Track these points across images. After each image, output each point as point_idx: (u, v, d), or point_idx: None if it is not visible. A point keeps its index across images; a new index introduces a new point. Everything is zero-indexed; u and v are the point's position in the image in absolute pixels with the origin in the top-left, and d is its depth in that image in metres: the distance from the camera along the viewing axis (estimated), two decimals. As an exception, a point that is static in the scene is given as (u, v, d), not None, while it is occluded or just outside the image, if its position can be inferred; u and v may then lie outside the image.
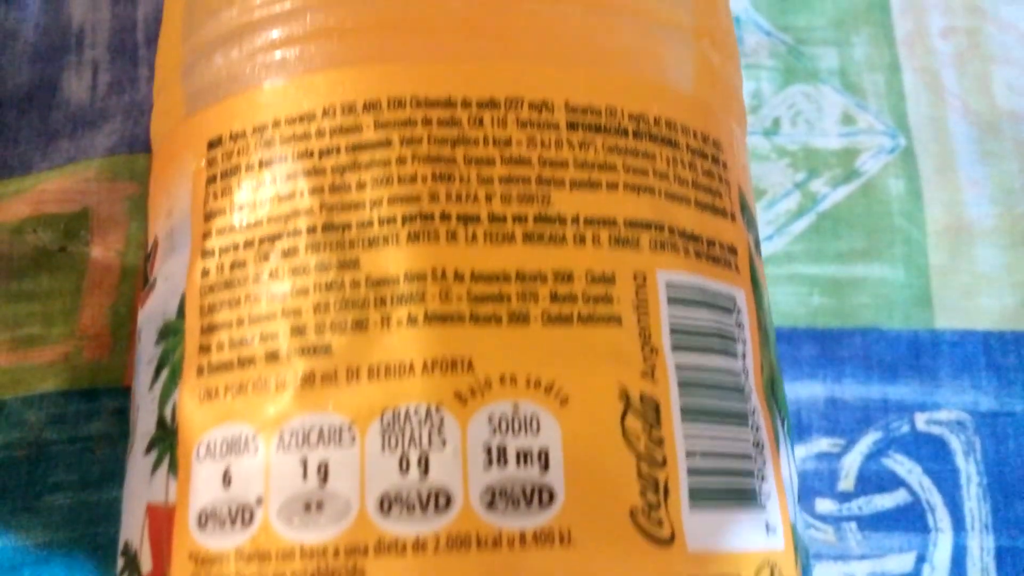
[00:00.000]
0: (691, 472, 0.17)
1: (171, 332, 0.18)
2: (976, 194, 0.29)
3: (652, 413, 0.17)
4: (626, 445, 0.17)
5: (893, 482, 0.26)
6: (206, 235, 0.18)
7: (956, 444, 0.27)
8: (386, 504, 0.16)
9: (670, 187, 0.18)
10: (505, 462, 0.16)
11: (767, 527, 0.18)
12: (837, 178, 0.29)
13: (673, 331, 0.18)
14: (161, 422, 0.18)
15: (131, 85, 0.29)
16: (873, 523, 0.26)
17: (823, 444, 0.27)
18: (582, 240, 0.17)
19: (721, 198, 0.20)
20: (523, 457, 0.16)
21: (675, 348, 0.18)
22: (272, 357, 0.17)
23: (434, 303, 0.17)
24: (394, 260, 0.17)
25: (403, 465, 0.16)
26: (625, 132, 0.18)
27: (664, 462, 0.17)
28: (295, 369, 0.17)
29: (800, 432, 0.27)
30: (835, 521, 0.26)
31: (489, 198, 0.17)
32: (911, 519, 0.26)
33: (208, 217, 0.18)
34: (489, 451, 0.16)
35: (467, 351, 0.16)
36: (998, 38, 0.31)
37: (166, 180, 0.20)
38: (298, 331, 0.17)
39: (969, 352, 0.27)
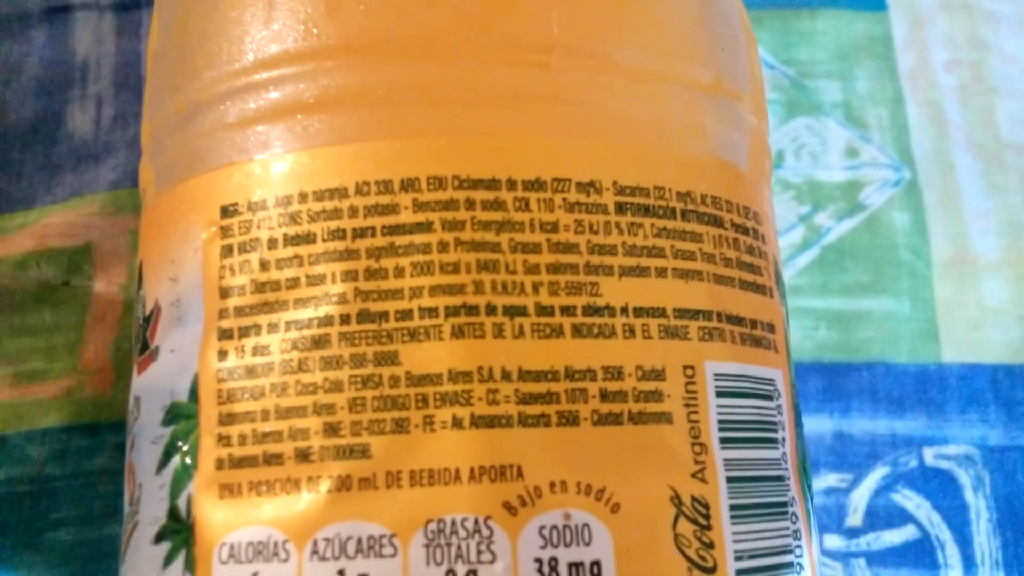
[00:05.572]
0: (739, 574, 0.16)
1: (182, 415, 0.17)
2: (981, 227, 0.29)
3: (703, 516, 0.16)
4: (678, 552, 0.16)
5: (902, 517, 0.26)
6: (223, 313, 0.17)
7: (965, 479, 0.26)
8: None
9: (717, 269, 0.18)
10: None
11: None
12: (841, 211, 0.29)
13: (721, 426, 0.17)
14: (173, 513, 0.17)
15: (135, 119, 0.29)
16: (882, 559, 0.26)
17: (831, 479, 0.27)
18: (631, 332, 0.16)
19: (761, 274, 0.19)
20: (575, 570, 0.15)
21: (723, 443, 0.17)
22: (303, 456, 0.16)
23: (481, 405, 0.16)
24: (437, 356, 0.16)
25: None
26: (673, 213, 0.17)
27: (715, 567, 0.16)
28: (329, 471, 0.16)
29: (807, 467, 0.27)
30: (843, 557, 0.26)
31: (536, 288, 0.16)
32: (920, 555, 0.26)
33: (225, 294, 0.17)
34: (540, 565, 0.15)
35: (516, 457, 0.15)
36: (1002, 71, 0.30)
37: (166, 241, 0.18)
38: (332, 429, 0.16)
39: (977, 386, 0.27)
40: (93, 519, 0.25)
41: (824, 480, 0.26)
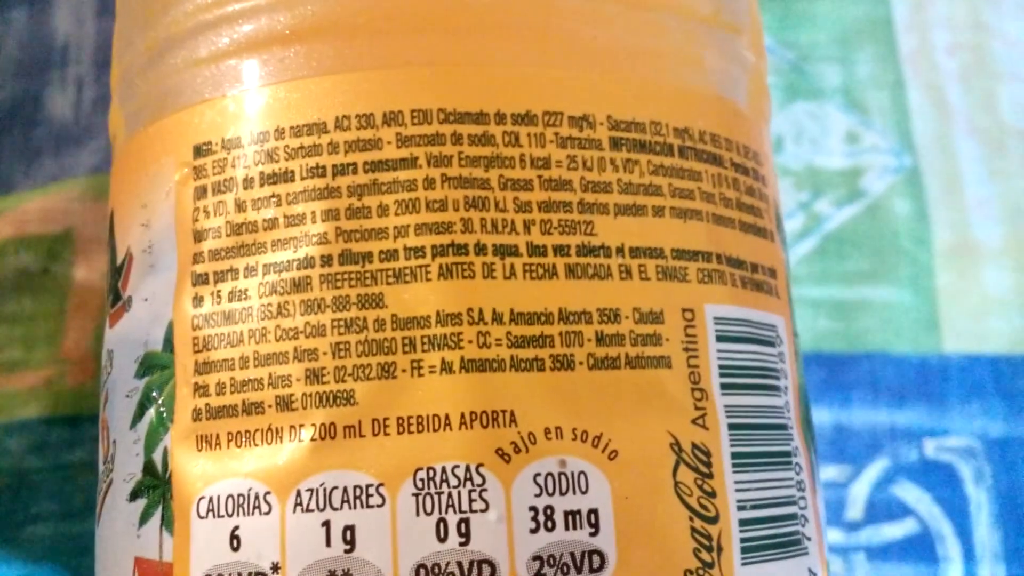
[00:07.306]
0: (742, 524, 0.16)
1: (157, 366, 0.17)
2: (983, 214, 0.28)
3: (704, 464, 0.16)
4: (679, 501, 0.15)
5: (902, 511, 0.26)
6: (197, 257, 0.16)
7: (966, 471, 0.26)
8: (423, 575, 0.15)
9: (716, 209, 0.17)
10: (553, 526, 0.15)
11: (810, 573, 0.17)
12: (842, 198, 0.29)
13: (722, 371, 0.16)
14: (149, 468, 0.16)
15: (117, 102, 0.29)
16: (882, 553, 0.25)
17: (830, 472, 0.26)
18: (628, 273, 0.16)
19: (762, 217, 0.18)
20: (572, 519, 0.15)
21: (724, 390, 0.16)
22: (284, 404, 0.15)
23: (471, 348, 0.15)
24: (424, 298, 0.15)
25: (441, 531, 0.15)
26: (670, 150, 0.17)
27: (717, 517, 0.16)
28: (312, 419, 0.15)
29: (806, 459, 0.26)
30: (843, 551, 0.26)
31: (528, 227, 0.16)
32: (920, 549, 0.25)
33: (199, 237, 0.16)
34: (535, 514, 0.15)
35: (509, 402, 0.15)
36: (1004, 54, 0.30)
37: (137, 186, 0.18)
38: (314, 375, 0.15)
39: (978, 376, 0.27)
40: (73, 513, 0.25)
41: (824, 472, 0.26)
